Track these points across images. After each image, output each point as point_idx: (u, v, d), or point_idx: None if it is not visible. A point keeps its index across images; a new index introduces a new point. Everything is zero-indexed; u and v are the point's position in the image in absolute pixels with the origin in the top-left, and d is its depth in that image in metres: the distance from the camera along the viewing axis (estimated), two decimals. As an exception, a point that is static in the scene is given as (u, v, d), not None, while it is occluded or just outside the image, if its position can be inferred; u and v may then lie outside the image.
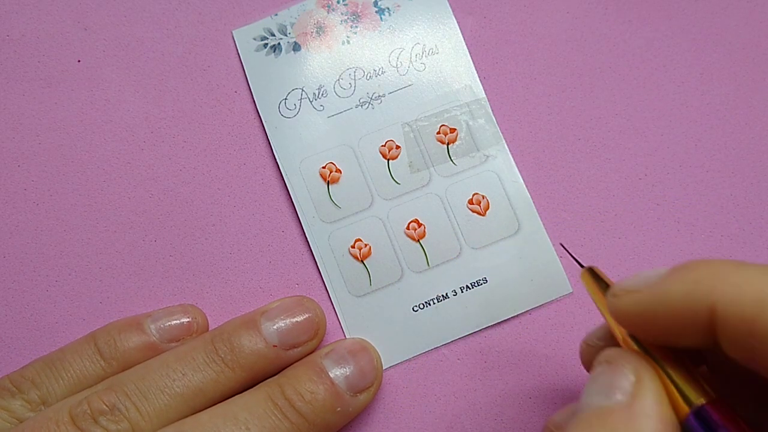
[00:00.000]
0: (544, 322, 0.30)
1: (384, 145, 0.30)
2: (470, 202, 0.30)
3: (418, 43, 0.31)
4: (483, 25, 0.32)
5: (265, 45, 0.31)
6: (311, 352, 0.28)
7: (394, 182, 0.30)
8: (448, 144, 0.30)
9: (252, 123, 0.31)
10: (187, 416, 0.26)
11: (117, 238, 0.31)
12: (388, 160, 0.30)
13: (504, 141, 0.31)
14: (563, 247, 0.29)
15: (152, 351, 0.28)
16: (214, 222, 0.31)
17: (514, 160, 0.31)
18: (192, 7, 0.32)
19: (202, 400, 0.26)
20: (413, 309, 0.30)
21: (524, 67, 0.32)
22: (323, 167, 0.30)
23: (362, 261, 0.30)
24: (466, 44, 0.32)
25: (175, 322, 0.29)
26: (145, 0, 0.32)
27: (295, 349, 0.28)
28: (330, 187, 0.30)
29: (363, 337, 0.29)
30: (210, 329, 0.29)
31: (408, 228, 0.30)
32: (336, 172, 0.30)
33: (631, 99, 0.31)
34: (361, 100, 0.31)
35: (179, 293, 0.30)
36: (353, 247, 0.30)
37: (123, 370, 0.27)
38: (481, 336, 0.30)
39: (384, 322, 0.30)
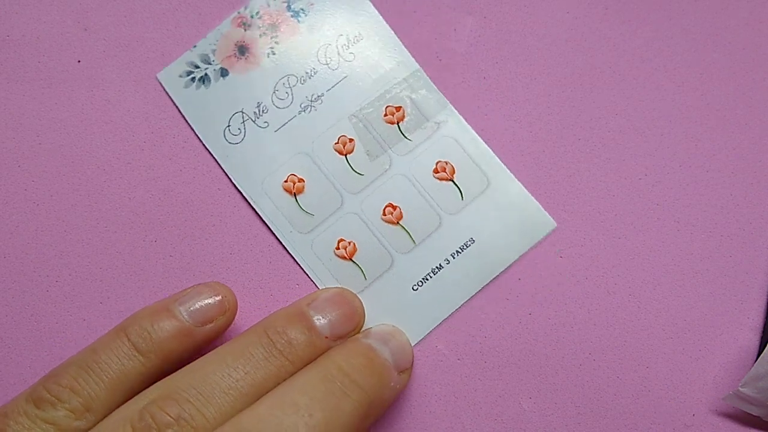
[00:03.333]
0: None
1: (337, 142, 0.31)
2: (435, 171, 0.31)
3: (341, 35, 0.31)
4: (483, 25, 0.32)
5: (193, 79, 0.31)
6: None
7: (357, 175, 0.30)
8: (397, 123, 0.31)
9: (252, 123, 0.31)
10: (242, 410, 0.25)
11: (117, 238, 0.31)
12: (345, 155, 0.30)
13: (450, 104, 0.31)
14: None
15: (188, 337, 0.27)
16: (214, 222, 0.31)
17: (465, 120, 0.31)
18: (192, 7, 0.32)
19: (261, 394, 0.25)
20: (413, 288, 0.30)
21: (524, 67, 0.32)
22: (285, 181, 0.30)
23: (351, 259, 0.30)
24: (467, 44, 0.32)
25: (205, 302, 0.28)
26: (145, 0, 0.32)
27: (340, 340, 0.28)
28: (297, 198, 0.30)
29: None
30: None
31: (384, 214, 0.30)
32: (299, 182, 0.30)
33: (631, 99, 0.32)
34: (302, 105, 0.31)
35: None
36: (338, 248, 0.30)
37: (162, 362, 0.26)
38: (481, 335, 0.30)
39: (390, 310, 0.30)
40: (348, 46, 0.31)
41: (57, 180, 0.31)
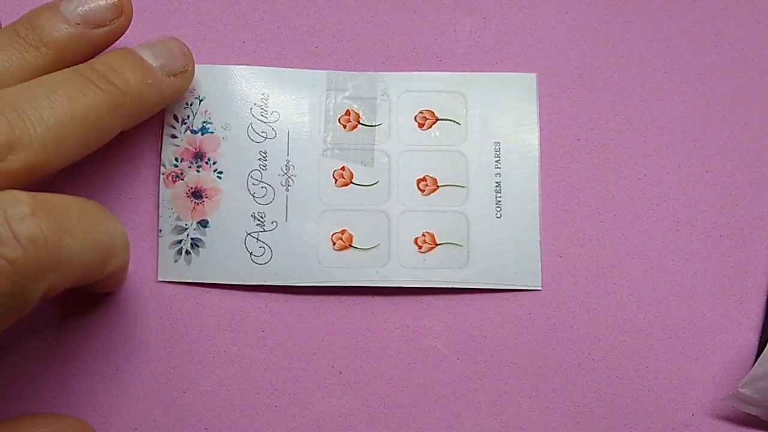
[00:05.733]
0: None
1: (335, 174, 0.30)
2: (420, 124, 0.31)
3: (255, 104, 0.30)
4: (483, 25, 0.32)
5: (180, 251, 0.30)
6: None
7: (367, 187, 0.30)
8: (357, 122, 0.31)
9: (252, 123, 0.31)
10: None
11: (117, 238, 0.31)
12: (348, 183, 0.30)
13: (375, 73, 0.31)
14: None
15: (80, 40, 0.27)
16: (214, 222, 0.31)
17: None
18: (192, 7, 0.32)
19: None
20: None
21: (524, 68, 0.32)
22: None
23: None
24: (467, 44, 0.32)
25: (98, 3, 0.27)
26: (145, 0, 0.32)
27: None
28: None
29: None
30: None
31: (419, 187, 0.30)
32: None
33: (631, 99, 0.32)
34: (280, 178, 0.30)
35: (179, 293, 0.30)
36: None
37: (57, 59, 0.26)
38: (480, 335, 0.30)
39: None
40: (267, 111, 0.30)
41: (57, 180, 0.31)
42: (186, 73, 0.29)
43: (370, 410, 0.29)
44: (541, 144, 0.31)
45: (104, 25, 0.27)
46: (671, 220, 0.31)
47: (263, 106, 0.30)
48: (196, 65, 0.29)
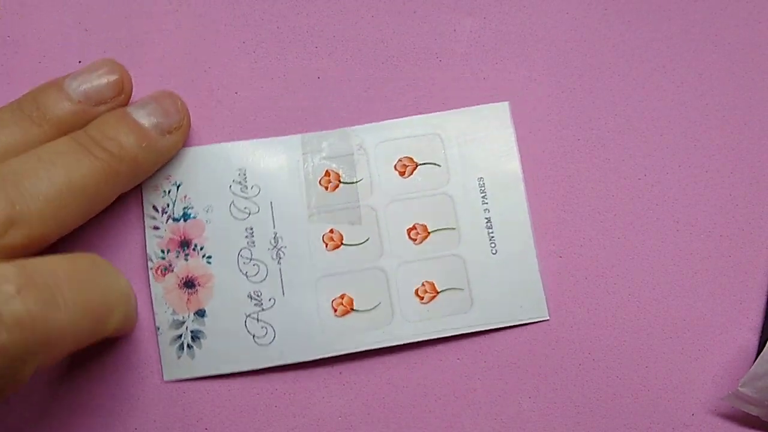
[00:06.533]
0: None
1: (325, 237, 0.30)
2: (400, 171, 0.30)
3: (234, 181, 0.30)
4: (483, 25, 0.32)
5: (182, 346, 0.29)
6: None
7: (357, 247, 0.30)
8: (337, 182, 0.30)
9: (252, 123, 0.31)
10: None
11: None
12: (337, 245, 0.30)
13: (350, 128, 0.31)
14: None
15: (81, 116, 0.27)
16: (214, 222, 0.31)
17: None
18: (192, 7, 0.32)
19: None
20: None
21: (524, 68, 0.32)
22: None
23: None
24: (467, 44, 0.32)
25: (100, 81, 0.28)
26: (145, 0, 0.32)
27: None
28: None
29: None
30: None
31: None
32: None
33: (631, 99, 0.32)
34: (270, 251, 0.30)
35: (179, 293, 0.30)
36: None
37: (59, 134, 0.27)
38: (480, 335, 0.30)
39: None
40: (246, 187, 0.30)
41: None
42: (181, 128, 0.29)
43: (370, 410, 0.30)
44: (540, 144, 0.31)
45: (105, 102, 0.28)
46: (671, 220, 0.31)
47: (242, 181, 0.30)
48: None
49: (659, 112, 0.31)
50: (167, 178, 0.30)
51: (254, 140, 0.30)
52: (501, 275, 0.30)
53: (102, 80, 0.28)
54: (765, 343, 0.29)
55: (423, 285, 0.30)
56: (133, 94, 0.29)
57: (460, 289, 0.30)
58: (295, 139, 0.31)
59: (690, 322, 0.30)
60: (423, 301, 0.30)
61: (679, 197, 0.31)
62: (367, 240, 0.30)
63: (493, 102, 0.31)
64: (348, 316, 0.29)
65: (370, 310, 0.29)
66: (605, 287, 0.30)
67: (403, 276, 0.30)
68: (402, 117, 0.31)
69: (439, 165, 0.30)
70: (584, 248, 0.31)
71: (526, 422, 0.30)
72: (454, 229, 0.30)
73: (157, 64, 0.31)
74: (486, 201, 0.30)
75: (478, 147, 0.31)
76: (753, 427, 0.29)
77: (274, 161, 0.30)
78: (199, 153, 0.30)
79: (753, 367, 0.28)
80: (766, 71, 0.32)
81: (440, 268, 0.30)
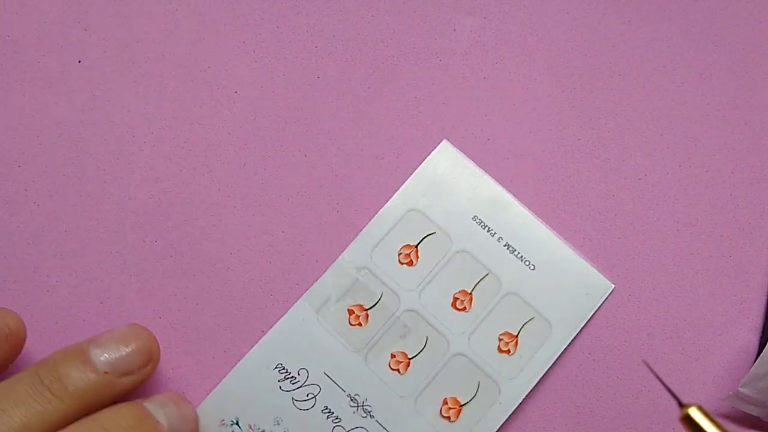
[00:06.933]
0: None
1: (392, 361, 0.29)
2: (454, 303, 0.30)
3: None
4: (483, 25, 0.32)
5: None
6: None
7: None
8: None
9: (251, 123, 0.31)
10: None
11: (117, 238, 0.31)
12: (399, 371, 0.29)
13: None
14: (648, 366, 0.26)
15: (106, 388, 0.26)
16: (214, 222, 0.31)
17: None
18: (192, 7, 0.32)
19: None
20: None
21: (524, 67, 0.32)
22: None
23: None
24: (467, 44, 0.32)
25: (126, 351, 0.26)
26: (145, 0, 0.32)
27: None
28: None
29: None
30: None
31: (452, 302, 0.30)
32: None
33: (631, 99, 0.32)
34: (355, 413, 0.29)
35: (179, 293, 0.30)
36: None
37: (80, 408, 0.25)
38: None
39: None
40: (295, 378, 0.29)
41: (57, 180, 0.31)
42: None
43: None
44: (541, 144, 0.31)
45: (132, 373, 0.26)
46: (671, 220, 0.31)
47: (287, 375, 0.29)
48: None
49: (659, 112, 0.31)
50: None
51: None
52: (552, 281, 0.30)
53: (130, 348, 0.26)
54: (765, 343, 0.29)
55: (500, 339, 0.29)
56: (133, 100, 0.29)
57: (531, 318, 0.29)
58: (302, 305, 0.30)
59: (690, 322, 0.30)
60: (510, 354, 0.29)
61: (679, 197, 0.31)
62: (427, 341, 0.29)
63: (433, 141, 0.31)
64: (462, 415, 0.29)
65: (474, 396, 0.29)
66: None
67: (478, 341, 0.29)
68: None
69: (434, 232, 0.30)
70: (583, 248, 0.31)
71: (526, 422, 0.29)
72: (488, 274, 0.30)
73: (157, 64, 0.31)
74: (493, 231, 0.30)
75: (451, 193, 0.30)
76: (754, 428, 0.29)
77: (301, 339, 0.30)
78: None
79: (753, 367, 0.28)
80: (766, 71, 0.32)
81: (504, 314, 0.30)
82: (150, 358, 0.27)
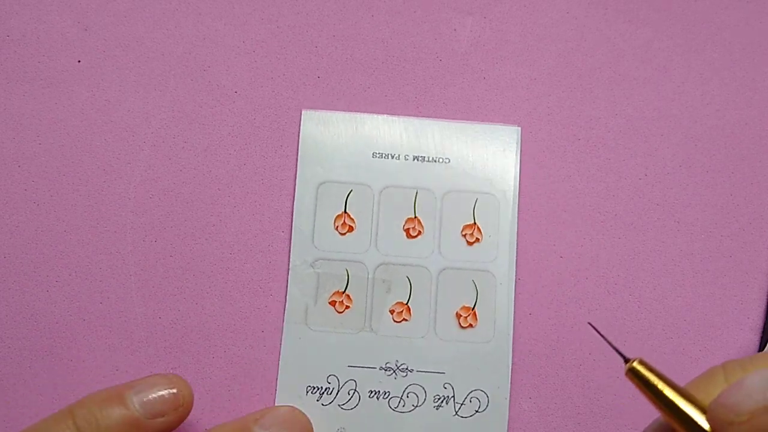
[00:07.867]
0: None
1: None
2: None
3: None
4: (483, 25, 0.32)
5: None
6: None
7: None
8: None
9: (251, 123, 0.31)
10: None
11: (117, 238, 0.31)
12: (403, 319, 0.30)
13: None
14: (593, 327, 0.27)
15: (136, 428, 0.26)
16: (214, 222, 0.31)
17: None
18: (192, 7, 0.32)
19: None
20: None
21: (524, 67, 0.32)
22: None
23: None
24: (467, 44, 0.32)
25: (159, 394, 0.27)
26: (145, 0, 0.32)
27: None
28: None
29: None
30: (193, 392, 0.28)
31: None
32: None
33: (631, 99, 0.32)
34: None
35: (179, 293, 0.30)
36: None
37: None
38: (481, 336, 0.30)
39: None
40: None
41: (57, 180, 0.31)
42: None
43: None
44: (541, 144, 0.31)
45: (163, 416, 0.27)
46: (671, 220, 0.31)
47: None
48: None
49: (659, 112, 0.31)
50: None
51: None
52: (470, 161, 0.31)
53: (163, 391, 0.27)
54: (766, 343, 0.29)
55: (463, 235, 0.30)
56: (133, 100, 0.29)
57: (475, 201, 0.31)
58: (289, 327, 0.30)
59: (690, 322, 0.30)
60: (480, 241, 0.30)
61: (679, 197, 0.31)
62: (410, 280, 0.30)
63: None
64: (479, 316, 0.30)
65: (478, 294, 0.30)
66: (605, 287, 0.30)
67: (447, 249, 0.30)
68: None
69: (351, 190, 0.31)
70: (584, 248, 0.31)
71: (526, 422, 0.29)
72: (417, 191, 0.31)
73: (157, 63, 0.31)
74: (396, 155, 0.31)
75: (340, 148, 0.31)
76: (753, 428, 0.29)
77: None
78: None
79: (753, 367, 0.28)
80: (766, 71, 0.32)
81: (452, 213, 0.31)
82: (182, 402, 0.27)
